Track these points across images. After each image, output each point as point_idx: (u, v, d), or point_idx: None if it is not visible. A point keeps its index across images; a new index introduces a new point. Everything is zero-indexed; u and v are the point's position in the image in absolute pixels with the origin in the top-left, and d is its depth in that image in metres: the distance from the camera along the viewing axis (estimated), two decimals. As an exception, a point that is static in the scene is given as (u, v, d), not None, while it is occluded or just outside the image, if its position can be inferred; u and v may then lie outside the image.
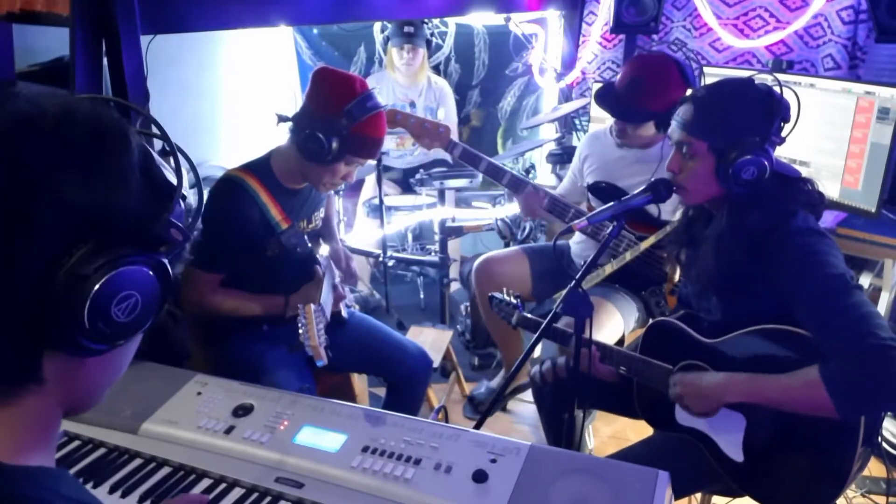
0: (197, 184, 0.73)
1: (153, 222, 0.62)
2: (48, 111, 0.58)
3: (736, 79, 1.51)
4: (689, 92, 1.99)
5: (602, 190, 2.32)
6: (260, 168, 1.88)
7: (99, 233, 0.58)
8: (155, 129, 0.71)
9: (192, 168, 0.74)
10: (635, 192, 1.58)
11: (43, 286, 0.56)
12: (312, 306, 1.64)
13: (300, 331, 1.59)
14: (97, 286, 0.57)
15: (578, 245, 2.45)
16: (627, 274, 2.10)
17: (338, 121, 1.74)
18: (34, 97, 0.59)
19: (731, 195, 1.47)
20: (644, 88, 2.17)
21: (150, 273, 0.61)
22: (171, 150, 0.69)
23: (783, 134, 1.47)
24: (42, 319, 0.56)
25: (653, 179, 2.21)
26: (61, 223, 0.56)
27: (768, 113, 1.41)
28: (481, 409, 2.61)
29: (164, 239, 0.63)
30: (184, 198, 0.67)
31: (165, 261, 0.63)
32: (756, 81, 1.46)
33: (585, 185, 2.43)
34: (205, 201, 1.89)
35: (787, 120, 1.42)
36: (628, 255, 2.04)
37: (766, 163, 1.39)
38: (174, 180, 0.67)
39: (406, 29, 3.43)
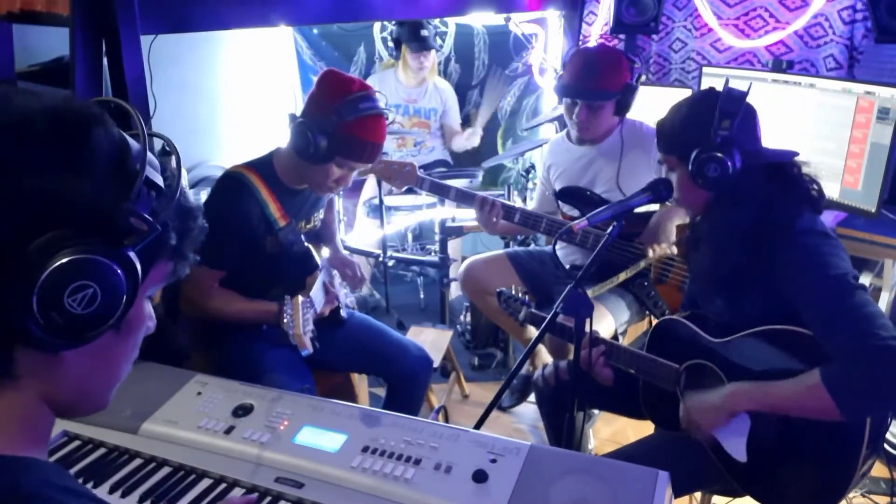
0: (178, 173, 0.69)
1: (112, 212, 0.60)
2: (14, 105, 0.59)
3: (692, 94, 1.58)
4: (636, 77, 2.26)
5: (568, 194, 2.38)
6: (262, 166, 1.88)
7: (57, 222, 0.57)
8: (151, 130, 0.70)
9: (177, 157, 0.70)
10: (635, 192, 1.60)
11: None
12: (300, 298, 1.65)
13: (285, 320, 1.59)
14: (45, 274, 0.56)
15: (561, 251, 2.47)
16: (608, 271, 2.11)
17: (327, 118, 1.73)
18: (5, 93, 0.59)
19: (716, 194, 1.50)
20: (599, 71, 2.25)
21: (110, 264, 0.59)
22: (141, 140, 0.66)
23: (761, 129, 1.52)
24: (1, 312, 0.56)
25: (620, 168, 2.27)
26: (18, 212, 0.56)
27: (721, 114, 1.44)
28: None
29: (126, 229, 0.61)
30: (159, 190, 0.65)
31: (132, 253, 0.61)
32: (716, 89, 1.50)
33: (553, 192, 2.46)
34: (207, 198, 1.89)
35: (734, 115, 1.44)
36: (642, 264, 2.05)
37: (726, 159, 1.43)
38: (157, 176, 0.65)
39: (423, 33, 3.45)
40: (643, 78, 2.35)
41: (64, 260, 0.56)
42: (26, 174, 0.56)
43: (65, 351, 0.61)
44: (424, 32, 3.46)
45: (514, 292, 1.86)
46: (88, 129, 0.60)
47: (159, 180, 0.66)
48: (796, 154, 1.52)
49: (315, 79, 1.87)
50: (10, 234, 0.55)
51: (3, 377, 0.59)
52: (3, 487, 0.57)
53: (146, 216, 0.62)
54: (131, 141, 0.65)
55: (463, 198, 2.36)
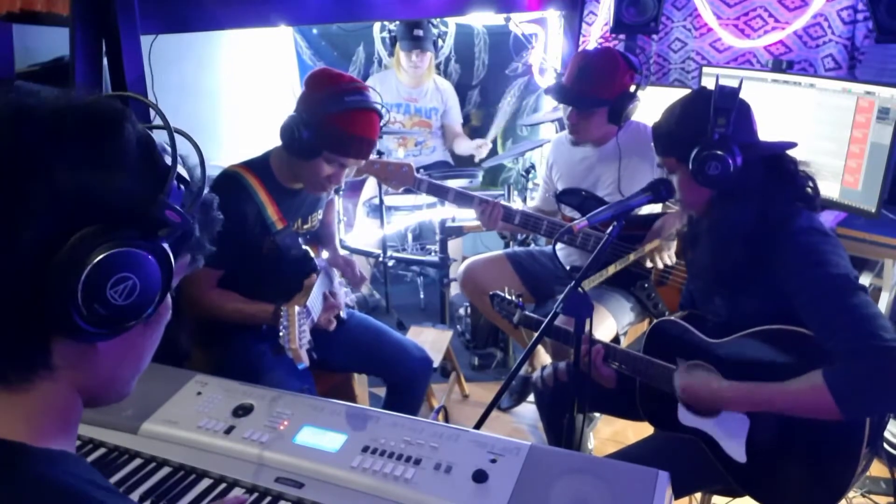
0: (202, 168, 0.72)
1: (148, 205, 0.62)
2: (45, 100, 0.60)
3: (684, 95, 1.56)
4: (635, 78, 2.23)
5: (570, 196, 2.37)
6: (259, 166, 1.87)
7: (95, 216, 0.58)
8: (164, 124, 0.71)
9: (198, 152, 0.72)
10: (635, 192, 1.60)
11: (40, 270, 0.57)
12: (297, 308, 1.61)
13: (281, 332, 1.56)
14: (89, 267, 0.57)
15: (560, 252, 2.47)
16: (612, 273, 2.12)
17: (313, 111, 1.72)
18: (34, 90, 0.61)
19: (718, 192, 1.49)
20: (592, 77, 2.23)
21: (148, 256, 0.61)
22: (170, 135, 0.68)
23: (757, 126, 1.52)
24: (41, 304, 0.57)
25: (620, 172, 2.27)
26: (56, 207, 0.57)
27: (716, 111, 1.43)
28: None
29: (161, 221, 0.63)
30: (186, 182, 0.67)
31: (166, 245, 0.63)
32: (707, 88, 1.50)
33: (555, 191, 2.46)
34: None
35: (729, 111, 1.43)
36: (632, 257, 2.05)
37: (726, 155, 1.42)
38: (182, 169, 0.67)
39: (416, 32, 3.44)
40: (644, 88, 2.32)
41: (107, 253, 0.58)
42: (62, 169, 0.57)
43: (100, 342, 0.62)
44: (418, 32, 3.44)
45: (507, 294, 1.85)
46: (121, 124, 0.62)
47: (185, 174, 0.68)
48: (794, 144, 1.52)
49: (313, 79, 1.86)
50: (50, 227, 0.57)
51: (40, 368, 0.61)
52: (37, 481, 0.58)
53: (179, 209, 0.64)
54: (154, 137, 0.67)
55: (462, 199, 2.35)
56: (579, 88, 2.23)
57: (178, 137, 0.69)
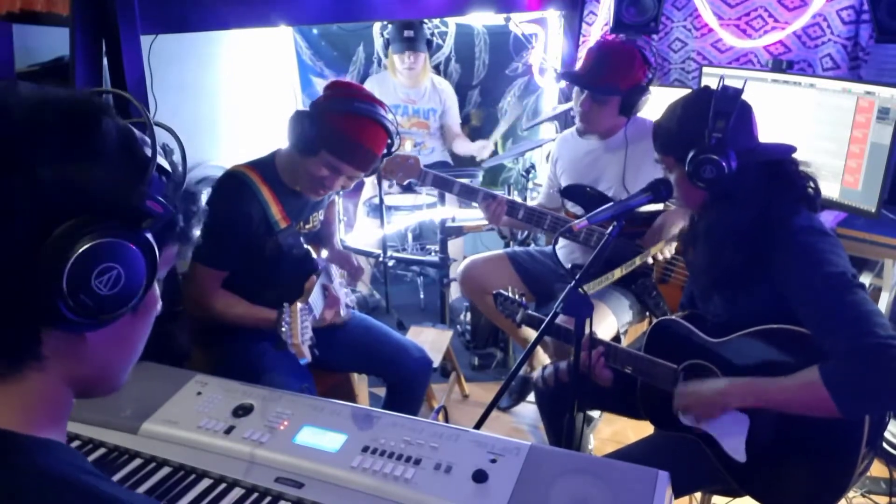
0: (182, 160, 0.73)
1: (130, 196, 0.63)
2: (22, 96, 0.61)
3: (687, 93, 1.56)
4: (649, 75, 2.26)
5: (573, 192, 2.38)
6: (264, 166, 1.88)
7: (78, 209, 0.59)
8: (153, 121, 0.72)
9: (179, 143, 0.74)
10: (635, 191, 1.60)
11: (26, 263, 0.57)
12: (299, 305, 1.63)
13: (283, 328, 1.58)
14: (73, 258, 0.58)
15: (562, 250, 2.48)
16: (609, 269, 2.11)
17: (321, 107, 1.74)
18: (11, 86, 0.62)
19: (713, 194, 1.49)
20: (610, 65, 2.25)
21: (132, 246, 0.62)
22: (148, 126, 0.69)
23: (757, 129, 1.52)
24: (29, 295, 0.58)
25: (625, 166, 2.27)
26: (39, 201, 0.58)
27: (715, 114, 1.43)
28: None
29: (144, 212, 0.64)
30: (167, 173, 0.68)
31: (149, 235, 0.64)
32: (711, 88, 1.49)
33: (559, 187, 2.46)
34: (208, 197, 1.88)
35: (729, 115, 1.42)
36: (638, 260, 2.05)
37: (721, 160, 1.41)
38: (164, 161, 0.68)
39: (406, 34, 3.43)
40: (657, 84, 2.34)
41: (90, 244, 0.59)
42: (43, 163, 0.58)
43: (88, 332, 0.64)
44: (409, 33, 3.44)
45: (510, 293, 1.86)
46: (98, 118, 0.63)
47: (167, 165, 0.69)
48: (794, 149, 1.52)
49: (315, 79, 1.87)
50: (35, 221, 0.58)
51: (30, 359, 0.62)
52: (27, 468, 0.58)
53: (160, 199, 0.65)
54: (135, 129, 0.68)
55: (467, 193, 2.34)
56: (596, 74, 2.25)
57: (161, 132, 0.70)
